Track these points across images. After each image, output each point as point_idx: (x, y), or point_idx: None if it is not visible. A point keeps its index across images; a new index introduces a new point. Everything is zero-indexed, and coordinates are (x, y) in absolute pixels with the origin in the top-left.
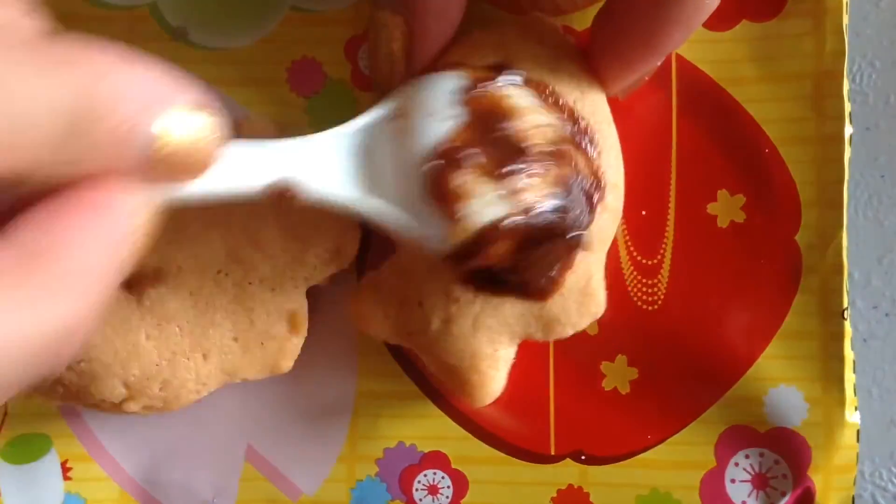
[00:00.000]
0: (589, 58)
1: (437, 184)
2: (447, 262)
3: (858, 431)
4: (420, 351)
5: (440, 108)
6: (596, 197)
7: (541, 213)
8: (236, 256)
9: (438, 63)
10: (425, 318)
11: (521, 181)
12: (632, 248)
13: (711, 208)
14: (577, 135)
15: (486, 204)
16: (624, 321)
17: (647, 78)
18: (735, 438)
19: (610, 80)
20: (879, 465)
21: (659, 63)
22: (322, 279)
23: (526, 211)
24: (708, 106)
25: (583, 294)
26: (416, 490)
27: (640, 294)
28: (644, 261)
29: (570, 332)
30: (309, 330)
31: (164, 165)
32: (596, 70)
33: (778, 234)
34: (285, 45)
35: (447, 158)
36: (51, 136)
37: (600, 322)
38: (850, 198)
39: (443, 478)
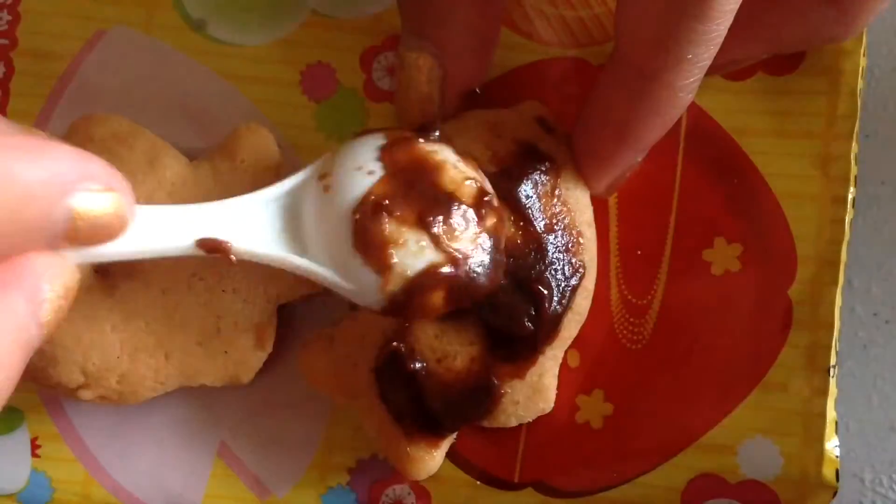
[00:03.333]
0: (573, 156)
1: (364, 233)
2: (385, 315)
3: (835, 493)
4: (361, 413)
5: (362, 163)
6: (574, 280)
7: (472, 263)
8: (212, 262)
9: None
10: (373, 385)
11: (449, 229)
12: (623, 286)
13: (707, 254)
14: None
15: (414, 252)
16: (606, 356)
17: (628, 175)
18: (704, 486)
19: (590, 178)
20: (880, 472)
21: (640, 159)
22: (294, 299)
23: (455, 261)
24: (714, 153)
25: (533, 389)
26: (383, 503)
27: (625, 332)
28: (633, 299)
29: (514, 422)
30: (293, 337)
31: (76, 239)
32: (578, 168)
33: (771, 286)
34: (302, 48)
35: (372, 208)
36: None
37: (582, 355)
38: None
39: (409, 493)
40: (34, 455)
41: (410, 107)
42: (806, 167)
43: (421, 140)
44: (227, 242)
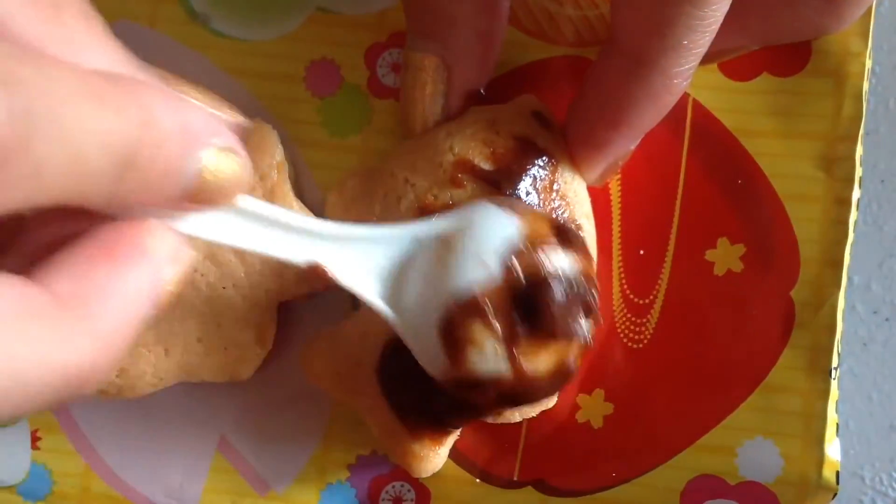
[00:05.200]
0: (567, 143)
1: (452, 325)
2: (436, 384)
3: (835, 495)
4: (364, 411)
5: (486, 253)
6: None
7: (532, 383)
8: (216, 259)
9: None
10: (376, 384)
11: (526, 348)
12: (625, 286)
13: (710, 255)
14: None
15: (489, 359)
16: (607, 356)
17: (621, 164)
18: (703, 488)
19: (584, 165)
20: (880, 469)
21: (632, 147)
22: (295, 296)
23: (519, 378)
24: (719, 153)
25: None
26: (383, 500)
27: (627, 331)
28: (636, 299)
29: (517, 418)
30: (294, 334)
31: (198, 197)
32: (571, 155)
33: (774, 287)
34: (306, 43)
35: (470, 308)
36: (105, 171)
37: (583, 354)
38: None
39: (409, 490)
40: (34, 447)
41: (415, 107)
42: (810, 168)
43: (550, 253)
44: (333, 273)
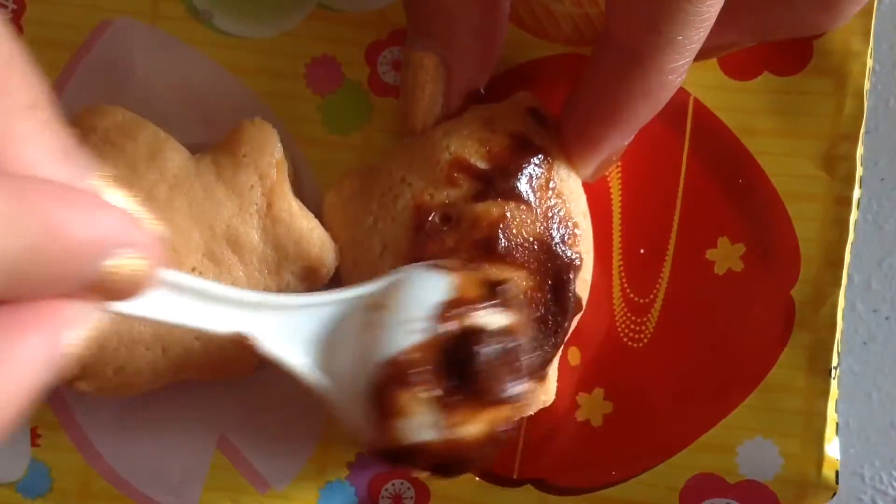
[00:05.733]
0: (561, 139)
1: (380, 394)
2: (366, 451)
3: (835, 494)
4: None
5: (415, 317)
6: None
7: (462, 451)
8: (214, 257)
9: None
10: None
11: (458, 416)
12: (625, 285)
13: (710, 254)
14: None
15: (420, 427)
16: (607, 355)
17: (615, 160)
18: (703, 486)
19: (578, 161)
20: (880, 468)
21: (626, 143)
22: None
23: (451, 445)
24: (719, 152)
25: None
26: (382, 498)
27: (627, 330)
28: (636, 298)
29: (515, 417)
30: None
31: (98, 294)
32: (566, 151)
33: (774, 286)
34: (307, 41)
35: (400, 373)
36: None
37: (583, 352)
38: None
39: (408, 488)
40: (34, 444)
41: (415, 106)
42: (811, 168)
43: (482, 311)
44: (258, 343)
